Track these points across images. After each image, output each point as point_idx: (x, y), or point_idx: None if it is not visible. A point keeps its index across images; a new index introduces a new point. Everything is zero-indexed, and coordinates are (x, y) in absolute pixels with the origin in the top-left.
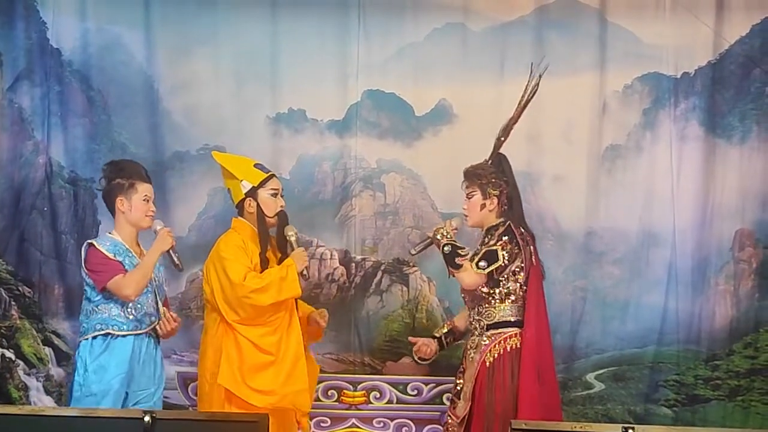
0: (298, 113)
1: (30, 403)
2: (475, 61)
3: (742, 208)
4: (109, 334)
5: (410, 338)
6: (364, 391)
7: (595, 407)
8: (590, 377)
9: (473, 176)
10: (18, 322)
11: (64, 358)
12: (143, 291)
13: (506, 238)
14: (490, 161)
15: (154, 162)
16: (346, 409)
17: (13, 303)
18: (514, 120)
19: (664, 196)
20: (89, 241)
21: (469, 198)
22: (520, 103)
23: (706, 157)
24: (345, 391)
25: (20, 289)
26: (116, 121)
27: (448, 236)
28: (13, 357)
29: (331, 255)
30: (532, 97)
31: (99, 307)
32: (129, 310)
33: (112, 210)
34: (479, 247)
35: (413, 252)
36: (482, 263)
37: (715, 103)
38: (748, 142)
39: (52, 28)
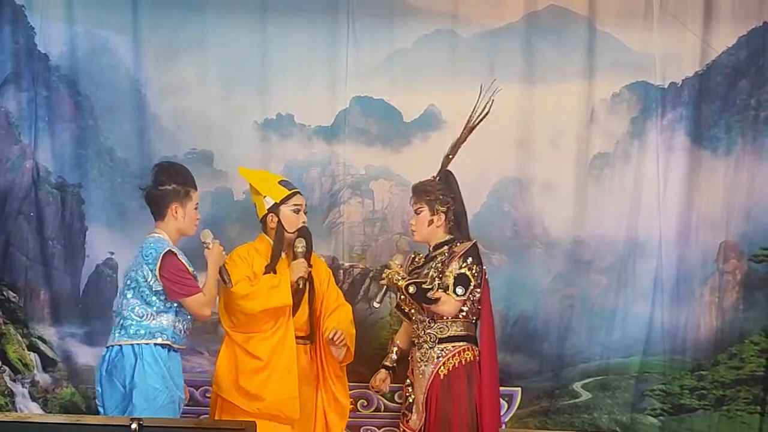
0: (287, 119)
1: (16, 410)
2: (464, 67)
3: (727, 221)
4: (168, 345)
5: (371, 384)
6: (352, 399)
7: (582, 416)
8: (577, 386)
9: (421, 192)
10: (3, 327)
11: (50, 364)
12: None
13: (471, 259)
14: (437, 178)
15: (142, 167)
16: None
17: None
18: (462, 140)
19: (651, 206)
20: (168, 248)
21: (417, 213)
22: (468, 124)
23: (692, 168)
24: None
25: (5, 294)
26: (103, 126)
27: (403, 277)
28: None
29: None
30: (482, 118)
31: (161, 315)
32: (185, 324)
33: (160, 213)
34: (432, 268)
35: (377, 305)
36: (459, 290)
37: (702, 114)
38: (733, 153)
39: (39, 32)
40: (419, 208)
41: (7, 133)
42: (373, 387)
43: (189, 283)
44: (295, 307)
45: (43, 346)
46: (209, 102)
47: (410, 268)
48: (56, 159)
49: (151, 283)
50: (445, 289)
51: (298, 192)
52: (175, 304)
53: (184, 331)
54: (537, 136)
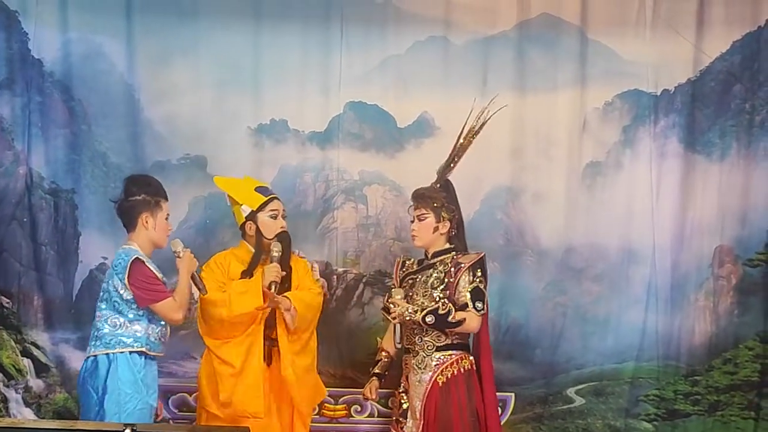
0: (280, 124)
1: (9, 415)
2: (457, 74)
3: (722, 225)
4: (143, 353)
5: (362, 394)
6: (345, 405)
7: (576, 422)
8: (571, 392)
9: (426, 198)
10: None
11: (43, 370)
12: None
13: (480, 271)
14: (438, 185)
15: (135, 172)
16: (327, 422)
17: None
18: (464, 148)
19: (644, 213)
20: (136, 256)
21: (421, 220)
22: (473, 130)
23: (686, 173)
24: (326, 404)
25: None
26: (97, 131)
27: (415, 310)
28: None
29: (313, 267)
30: (482, 126)
31: (133, 323)
32: (159, 331)
33: (131, 224)
34: (431, 276)
35: (398, 345)
36: (479, 305)
37: (695, 120)
38: (728, 158)
39: (33, 38)
40: (424, 214)
41: (1, 139)
42: (366, 397)
43: (157, 289)
44: (272, 311)
45: (36, 352)
46: (203, 107)
47: (401, 274)
48: (50, 164)
49: (121, 293)
50: (464, 308)
51: (275, 197)
52: (147, 312)
53: (160, 339)
54: (529, 145)
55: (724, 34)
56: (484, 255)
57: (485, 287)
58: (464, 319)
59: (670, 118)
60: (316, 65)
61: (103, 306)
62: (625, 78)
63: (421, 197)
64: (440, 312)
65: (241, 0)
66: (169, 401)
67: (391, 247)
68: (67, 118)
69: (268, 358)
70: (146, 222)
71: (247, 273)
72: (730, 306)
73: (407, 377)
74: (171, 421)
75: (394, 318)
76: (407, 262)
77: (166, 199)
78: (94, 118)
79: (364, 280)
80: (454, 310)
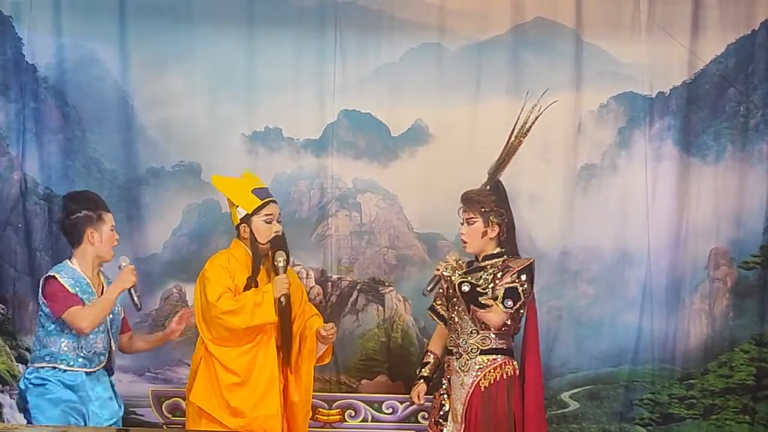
0: (275, 132)
1: (3, 421)
2: (451, 80)
3: (717, 227)
4: (55, 368)
5: (411, 397)
6: (339, 410)
7: (570, 426)
8: (565, 396)
9: (474, 202)
10: None
11: None
12: (98, 326)
13: (525, 276)
14: (488, 187)
15: (129, 178)
16: (321, 428)
17: None
18: (515, 147)
19: (639, 216)
20: (50, 273)
21: (470, 224)
22: (521, 130)
23: (681, 176)
24: (320, 409)
25: None
26: (91, 137)
27: (458, 273)
28: None
29: (307, 274)
30: (530, 127)
31: (51, 339)
32: (80, 346)
33: (76, 241)
34: (481, 278)
35: (426, 293)
36: (509, 302)
37: (690, 122)
38: (723, 161)
39: (27, 43)
40: (472, 218)
41: None
42: (413, 402)
43: (65, 299)
44: (284, 324)
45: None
46: (197, 114)
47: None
48: (44, 170)
49: (43, 308)
50: (494, 299)
51: (272, 201)
52: (59, 327)
53: (94, 352)
54: (524, 148)
55: (718, 38)
56: (533, 261)
57: (526, 292)
58: (491, 306)
59: (665, 121)
60: (311, 73)
61: (38, 322)
62: (619, 80)
63: (469, 201)
64: (477, 289)
65: (235, 7)
66: (163, 406)
67: (385, 255)
68: (61, 124)
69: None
70: (92, 237)
71: (252, 279)
72: (726, 309)
73: (449, 379)
74: (165, 426)
75: (437, 270)
76: (458, 260)
77: (108, 210)
78: (88, 124)
79: (358, 287)
80: (488, 295)
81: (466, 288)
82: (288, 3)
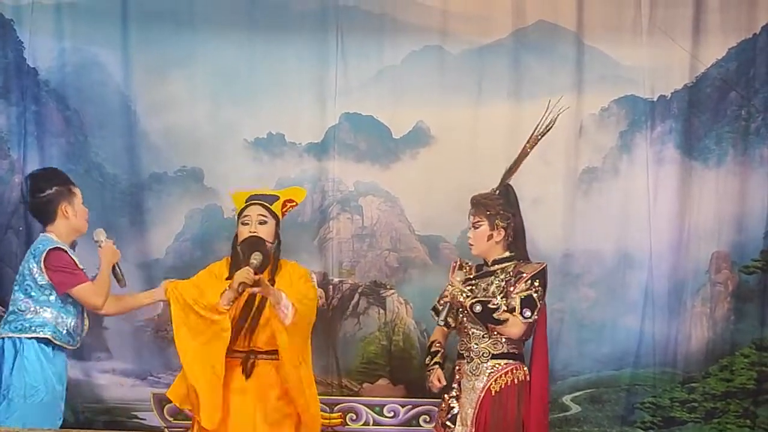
0: (277, 136)
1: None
2: (453, 83)
3: (718, 231)
4: (48, 340)
5: (432, 386)
6: (340, 413)
7: (572, 429)
8: (567, 399)
9: (480, 206)
10: None
11: None
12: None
13: (538, 282)
14: (497, 191)
15: (131, 183)
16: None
17: None
18: (525, 153)
19: (641, 219)
20: (55, 245)
21: (476, 228)
22: (532, 136)
23: (683, 179)
24: (321, 412)
25: None
26: (93, 142)
27: (467, 295)
28: None
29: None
30: (546, 132)
31: (43, 309)
32: (72, 323)
33: (49, 219)
34: (492, 284)
35: (441, 322)
36: (527, 312)
37: (692, 126)
38: (724, 165)
39: (28, 47)
40: (478, 221)
41: None
42: (435, 386)
43: (76, 273)
44: (244, 317)
45: None
46: (199, 119)
47: (462, 276)
48: None
49: (35, 276)
50: (512, 311)
51: (255, 203)
52: (59, 300)
53: (73, 331)
54: None
55: (719, 41)
56: (546, 266)
57: (540, 298)
58: (508, 319)
59: (666, 124)
60: (312, 76)
61: (16, 289)
62: (621, 83)
63: (476, 204)
64: (489, 305)
65: (237, 12)
66: (164, 410)
67: (387, 257)
68: (62, 128)
69: (249, 371)
70: (66, 211)
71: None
72: (727, 312)
73: (459, 383)
74: (166, 430)
75: (445, 297)
76: (465, 267)
77: (74, 184)
78: (90, 129)
79: (359, 291)
80: (502, 309)
81: (478, 308)
82: (289, 7)
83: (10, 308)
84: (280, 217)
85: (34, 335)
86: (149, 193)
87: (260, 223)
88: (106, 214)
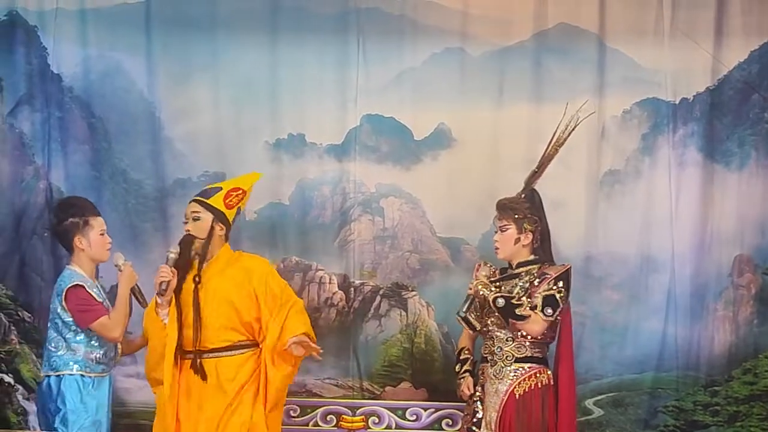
0: (298, 138)
1: (29, 428)
2: (474, 85)
3: (741, 234)
4: (83, 375)
5: (462, 394)
6: (362, 416)
7: None
8: (589, 403)
9: (508, 209)
10: (18, 347)
11: None
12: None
13: (562, 283)
14: (523, 195)
15: (156, 189)
16: None
17: (12, 328)
18: (550, 156)
19: (663, 222)
20: (74, 282)
21: (503, 231)
22: (556, 139)
23: (705, 182)
24: (344, 416)
25: (20, 314)
26: (117, 148)
27: (492, 288)
28: (12, 381)
29: (330, 279)
30: (568, 135)
31: (73, 346)
32: (102, 353)
33: (69, 248)
34: (516, 285)
35: (462, 314)
36: (548, 310)
37: (714, 128)
38: (747, 167)
39: (52, 53)
40: (506, 225)
41: (21, 154)
42: (465, 393)
43: (92, 309)
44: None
45: None
46: (222, 124)
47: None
48: (69, 180)
49: (61, 314)
50: (533, 308)
51: (192, 200)
52: (85, 335)
53: (104, 357)
54: None
55: (741, 44)
56: (570, 267)
57: (563, 299)
58: (529, 315)
59: (688, 127)
60: (334, 78)
61: (50, 326)
62: (643, 86)
63: (503, 208)
64: (512, 301)
65: (258, 16)
66: None
67: (408, 259)
68: (86, 134)
69: (201, 370)
70: (80, 243)
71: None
72: (750, 315)
73: (483, 386)
74: None
75: (469, 289)
76: (491, 269)
77: (96, 214)
78: (114, 135)
79: (381, 293)
80: (525, 305)
81: (501, 302)
82: (310, 10)
83: (46, 345)
84: (224, 209)
85: (69, 372)
86: (173, 199)
87: (194, 220)
88: (130, 220)
